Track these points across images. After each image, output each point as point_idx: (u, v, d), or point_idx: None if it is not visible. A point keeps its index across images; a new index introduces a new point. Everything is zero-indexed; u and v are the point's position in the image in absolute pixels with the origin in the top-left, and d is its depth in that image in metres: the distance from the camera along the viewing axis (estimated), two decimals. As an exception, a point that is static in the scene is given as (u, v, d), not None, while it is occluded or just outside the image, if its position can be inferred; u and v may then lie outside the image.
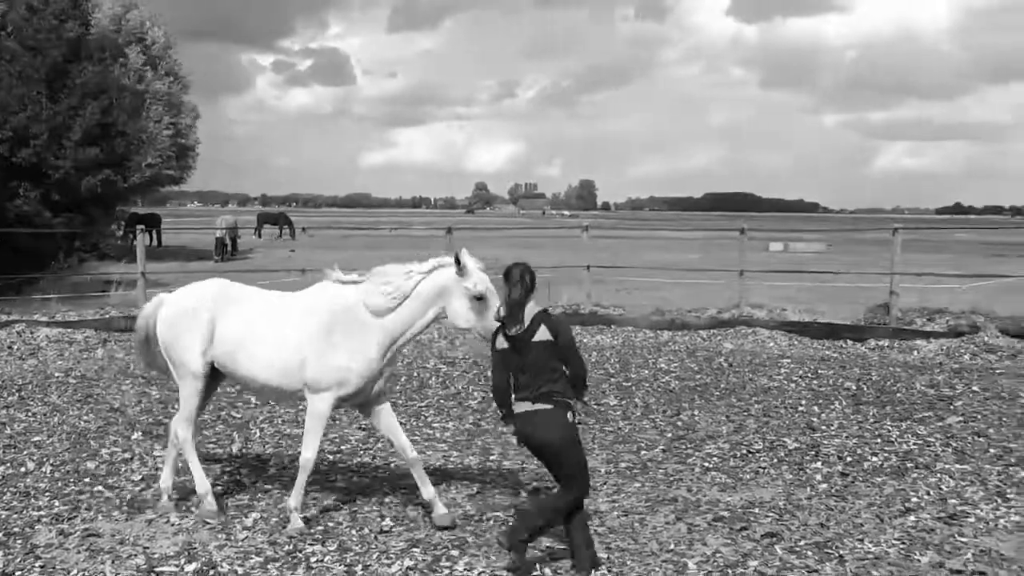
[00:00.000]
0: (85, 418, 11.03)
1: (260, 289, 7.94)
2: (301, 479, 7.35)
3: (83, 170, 29.58)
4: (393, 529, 7.33)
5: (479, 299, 7.01)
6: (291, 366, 7.26)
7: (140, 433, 10.27)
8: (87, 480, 8.60)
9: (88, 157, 29.31)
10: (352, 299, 7.30)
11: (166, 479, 7.93)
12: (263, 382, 7.43)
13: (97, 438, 10.08)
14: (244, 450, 9.65)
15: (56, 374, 13.89)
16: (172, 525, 7.38)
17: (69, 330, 17.39)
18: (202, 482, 7.66)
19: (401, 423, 10.74)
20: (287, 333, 7.30)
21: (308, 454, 7.32)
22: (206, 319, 7.47)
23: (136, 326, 8.16)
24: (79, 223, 31.00)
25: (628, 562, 6.60)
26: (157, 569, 6.44)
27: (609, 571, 6.42)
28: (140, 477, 8.68)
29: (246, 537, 7.08)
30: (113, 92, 30.47)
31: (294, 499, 7.32)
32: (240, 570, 6.43)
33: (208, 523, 7.34)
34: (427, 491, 7.45)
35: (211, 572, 6.39)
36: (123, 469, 8.96)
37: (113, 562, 6.57)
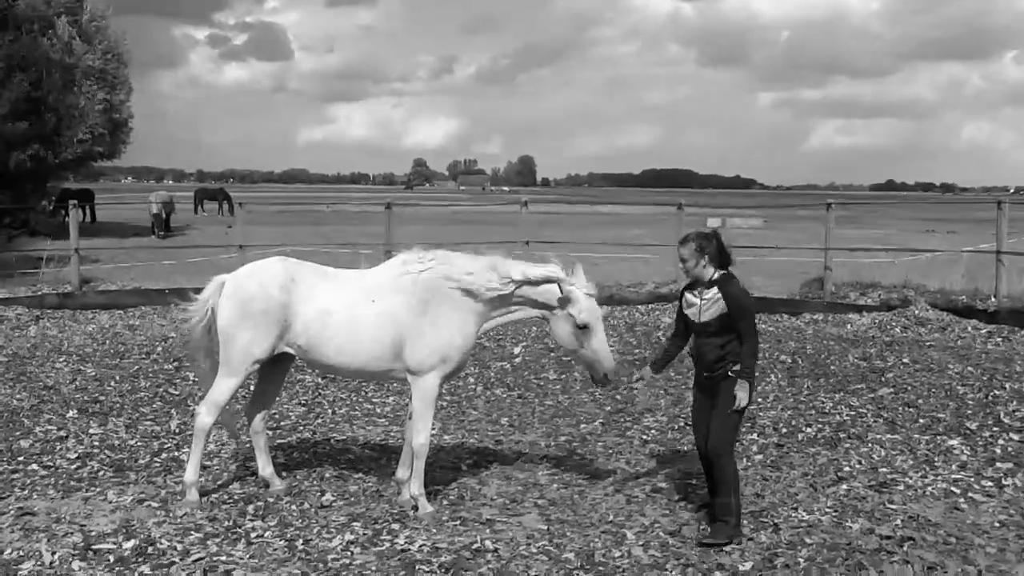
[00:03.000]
0: (18, 396, 10.83)
1: (326, 267, 7.52)
2: (419, 465, 7.15)
3: (11, 145, 28.94)
4: (334, 504, 7.34)
5: (583, 328, 6.86)
6: (387, 348, 7.00)
7: (75, 411, 10.12)
8: (21, 459, 8.46)
9: (16, 132, 28.69)
10: (440, 274, 7.07)
11: (264, 467, 7.69)
12: (358, 367, 7.14)
13: (31, 416, 9.92)
14: (183, 426, 9.56)
15: (-13, 352, 13.61)
16: (109, 503, 7.30)
17: (0, 307, 17.05)
18: (193, 472, 7.30)
19: (340, 399, 10.78)
20: (380, 314, 6.99)
21: (421, 439, 7.10)
22: (280, 304, 7.03)
23: (191, 312, 7.47)
24: (8, 199, 30.38)
25: (568, 533, 6.68)
26: (95, 547, 6.37)
27: (550, 542, 6.50)
28: (76, 455, 8.56)
29: (185, 513, 7.03)
30: (42, 65, 29.81)
31: (415, 487, 7.14)
32: (179, 546, 6.39)
33: (188, 512, 7.05)
34: (403, 472, 7.41)
35: (150, 549, 6.34)
36: (58, 447, 8.83)
37: (49, 540, 6.49)
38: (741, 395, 6.48)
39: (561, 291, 6.86)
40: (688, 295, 6.84)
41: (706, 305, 6.65)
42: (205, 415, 7.29)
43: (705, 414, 6.81)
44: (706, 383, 6.77)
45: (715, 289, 6.62)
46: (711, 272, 6.66)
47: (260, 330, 7.03)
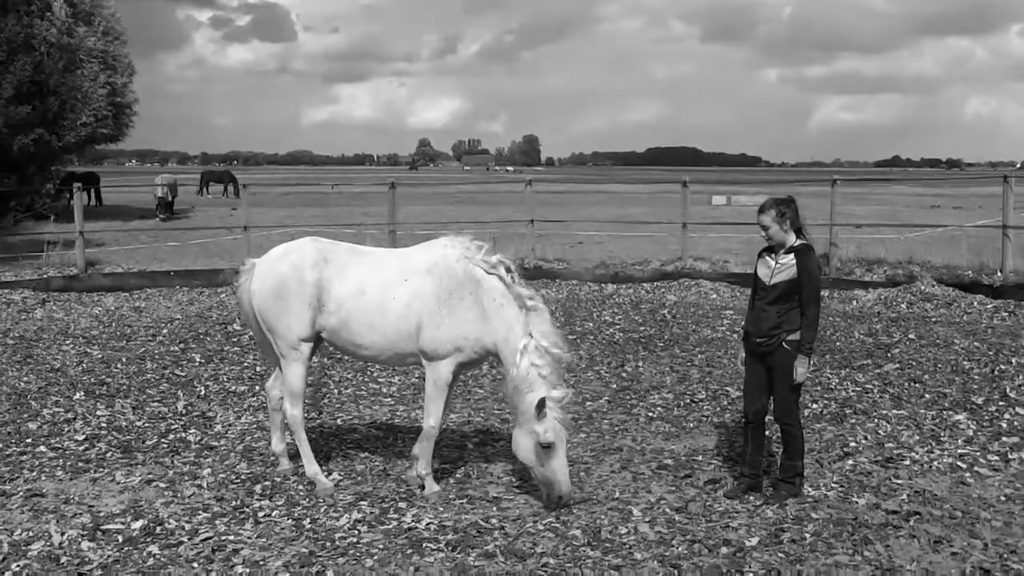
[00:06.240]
0: (25, 379, 10.87)
1: (359, 246, 7.52)
2: (427, 447, 7.14)
3: (15, 129, 28.92)
4: (341, 483, 7.36)
5: (546, 447, 6.65)
6: (413, 328, 6.94)
7: (82, 393, 10.15)
8: (29, 441, 8.49)
9: (20, 115, 28.65)
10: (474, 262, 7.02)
11: (277, 443, 7.70)
12: (387, 344, 7.06)
13: (38, 399, 9.95)
14: (189, 407, 9.59)
15: (-6, 335, 13.64)
16: (117, 484, 7.33)
17: (6, 291, 17.11)
18: (311, 464, 7.33)
19: (347, 379, 10.79)
20: (410, 293, 6.94)
21: (431, 422, 7.11)
22: (312, 284, 7.02)
23: (238, 299, 7.62)
24: (13, 183, 30.40)
25: (575, 510, 6.70)
26: (103, 527, 6.40)
27: (556, 519, 6.51)
28: (83, 437, 8.59)
29: (193, 494, 7.06)
30: (42, 47, 29.74)
31: (422, 467, 7.13)
32: (187, 526, 6.42)
33: (325, 499, 6.99)
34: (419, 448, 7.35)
35: (158, 528, 6.37)
36: (66, 429, 8.85)
37: (58, 521, 6.52)
38: (801, 371, 6.71)
39: (542, 406, 6.65)
40: (765, 257, 6.99)
41: (779, 269, 6.80)
42: (291, 407, 7.30)
43: (758, 382, 6.95)
44: (759, 350, 6.87)
45: (791, 256, 6.76)
46: (792, 238, 6.82)
47: (295, 311, 7.02)
